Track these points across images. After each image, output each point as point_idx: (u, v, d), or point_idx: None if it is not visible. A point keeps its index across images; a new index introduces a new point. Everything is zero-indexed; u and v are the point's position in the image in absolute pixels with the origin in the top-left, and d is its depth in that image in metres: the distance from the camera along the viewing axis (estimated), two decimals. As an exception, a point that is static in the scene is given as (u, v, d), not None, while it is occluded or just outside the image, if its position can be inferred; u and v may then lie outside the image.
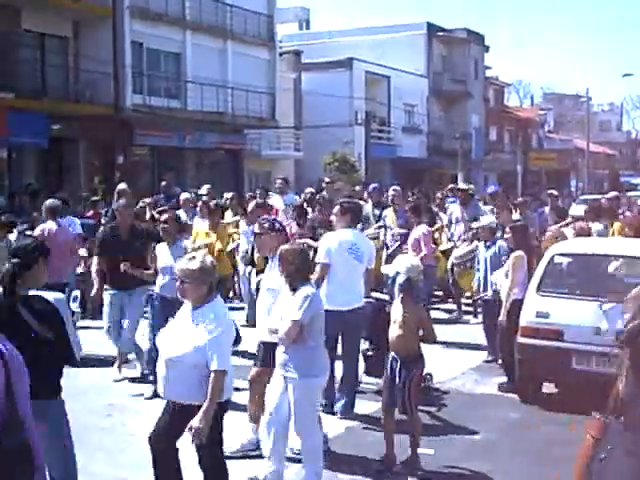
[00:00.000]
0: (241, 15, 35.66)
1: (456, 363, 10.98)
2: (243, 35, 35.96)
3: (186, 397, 5.53)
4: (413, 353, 7.10)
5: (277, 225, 7.60)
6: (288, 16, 52.42)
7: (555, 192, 17.99)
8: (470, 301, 14.28)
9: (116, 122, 28.82)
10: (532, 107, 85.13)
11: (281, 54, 40.47)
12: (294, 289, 6.35)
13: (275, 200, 16.71)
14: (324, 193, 16.64)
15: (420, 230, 12.64)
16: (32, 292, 5.15)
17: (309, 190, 18.65)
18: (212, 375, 5.41)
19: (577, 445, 7.43)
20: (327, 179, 19.58)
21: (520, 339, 9.01)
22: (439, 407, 8.86)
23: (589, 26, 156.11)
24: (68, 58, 28.72)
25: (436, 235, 15.35)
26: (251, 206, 13.04)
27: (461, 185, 16.06)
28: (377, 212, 15.46)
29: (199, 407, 5.37)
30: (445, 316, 14.57)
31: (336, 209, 8.96)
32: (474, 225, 12.26)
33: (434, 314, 14.35)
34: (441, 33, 54.80)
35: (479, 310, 12.72)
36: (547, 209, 16.70)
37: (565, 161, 68.00)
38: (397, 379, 7.04)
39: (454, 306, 14.86)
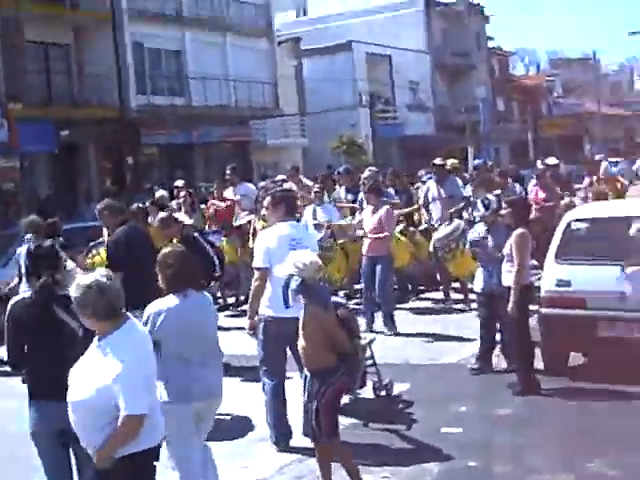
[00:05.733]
0: (238, 7, 35.65)
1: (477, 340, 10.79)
2: (241, 27, 35.88)
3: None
4: (323, 366, 5.96)
5: None
6: (285, 4, 52.22)
7: (552, 161, 16.58)
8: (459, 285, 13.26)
9: (123, 124, 28.94)
10: (539, 74, 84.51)
11: (280, 42, 40.35)
12: None
13: (228, 192, 15.11)
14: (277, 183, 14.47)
15: (382, 211, 11.74)
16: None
17: (280, 177, 16.87)
18: (122, 421, 4.49)
19: (609, 415, 7.52)
20: (290, 167, 17.24)
21: (541, 310, 8.89)
22: (408, 424, 7.84)
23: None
24: (71, 65, 28.85)
25: (415, 217, 14.55)
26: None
27: (436, 160, 14.45)
28: (350, 197, 14.25)
29: (120, 460, 4.55)
30: (432, 306, 13.61)
31: (267, 200, 7.78)
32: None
33: (420, 304, 13.73)
34: (439, 8, 54.54)
35: (472, 297, 11.39)
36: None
37: (577, 126, 67.52)
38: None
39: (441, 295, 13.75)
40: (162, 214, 10.63)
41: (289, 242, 7.18)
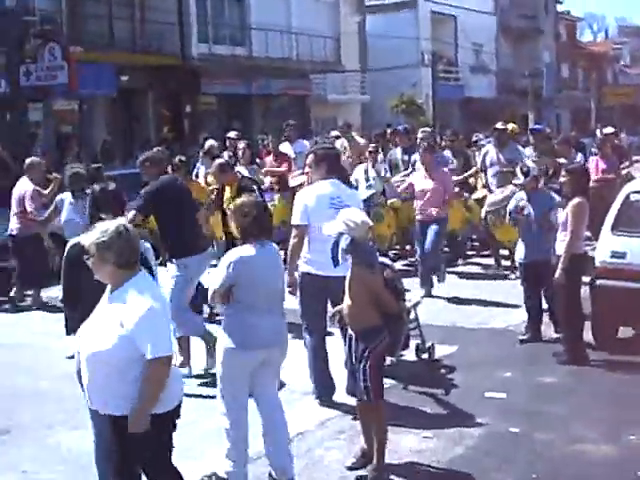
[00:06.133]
0: (304, -42, 35.25)
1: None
2: (306, -22, 35.53)
3: (122, 407, 4.43)
4: (368, 326, 5.84)
5: None
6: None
7: (609, 130, 16.14)
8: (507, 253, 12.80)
9: (183, 72, 28.95)
10: (606, 41, 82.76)
11: (344, -4, 39.95)
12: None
13: (285, 147, 15.07)
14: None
15: (441, 175, 11.54)
16: None
17: (334, 134, 16.84)
18: (149, 366, 4.33)
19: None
20: (342, 123, 17.00)
21: (594, 281, 8.72)
22: (449, 387, 7.82)
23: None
24: (134, 11, 28.87)
25: (471, 181, 14.35)
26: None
27: (498, 125, 14.07)
28: (407, 158, 13.87)
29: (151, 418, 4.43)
30: (481, 271, 13.42)
31: (309, 158, 7.62)
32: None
33: (469, 269, 13.59)
34: (508, -32, 53.51)
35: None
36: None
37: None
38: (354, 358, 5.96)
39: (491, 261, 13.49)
40: (219, 160, 10.71)
41: (329, 200, 7.10)
